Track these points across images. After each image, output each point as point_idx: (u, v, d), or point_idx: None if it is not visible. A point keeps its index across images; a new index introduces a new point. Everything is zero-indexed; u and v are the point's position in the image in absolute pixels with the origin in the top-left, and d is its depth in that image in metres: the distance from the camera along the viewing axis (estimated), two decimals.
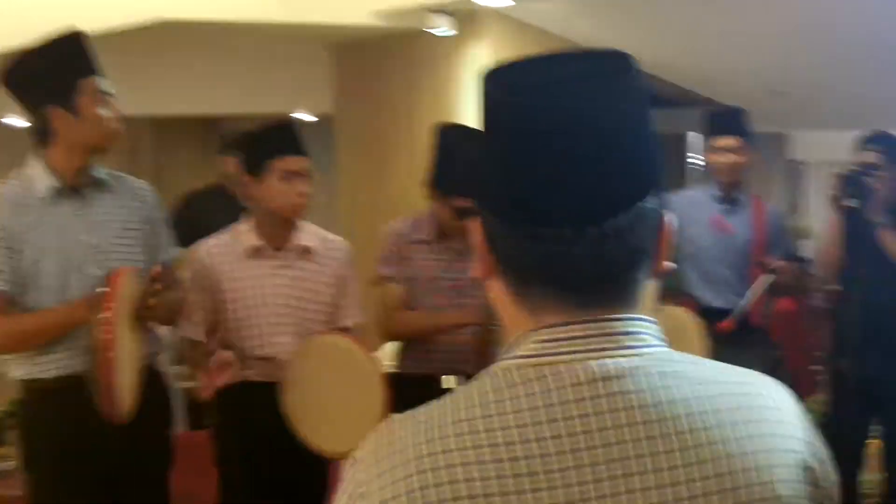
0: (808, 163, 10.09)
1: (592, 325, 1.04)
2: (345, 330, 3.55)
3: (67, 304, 3.00)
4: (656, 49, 6.61)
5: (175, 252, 3.43)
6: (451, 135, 3.55)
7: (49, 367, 3.05)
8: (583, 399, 1.01)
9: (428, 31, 5.97)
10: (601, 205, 1.02)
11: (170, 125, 9.73)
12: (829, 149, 8.62)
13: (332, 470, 3.63)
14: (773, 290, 4.49)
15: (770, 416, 1.09)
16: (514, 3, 5.72)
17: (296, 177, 3.35)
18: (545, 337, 1.04)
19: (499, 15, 6.18)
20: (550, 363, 1.03)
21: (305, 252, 3.49)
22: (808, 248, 7.48)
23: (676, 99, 8.89)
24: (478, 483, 0.98)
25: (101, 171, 3.18)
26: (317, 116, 7.77)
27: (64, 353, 3.04)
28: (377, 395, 3.16)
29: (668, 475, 1.01)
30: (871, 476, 4.66)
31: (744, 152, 4.58)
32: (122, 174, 3.34)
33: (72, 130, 3.03)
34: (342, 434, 3.22)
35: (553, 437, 1.00)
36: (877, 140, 4.33)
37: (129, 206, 3.22)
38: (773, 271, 4.35)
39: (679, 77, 7.29)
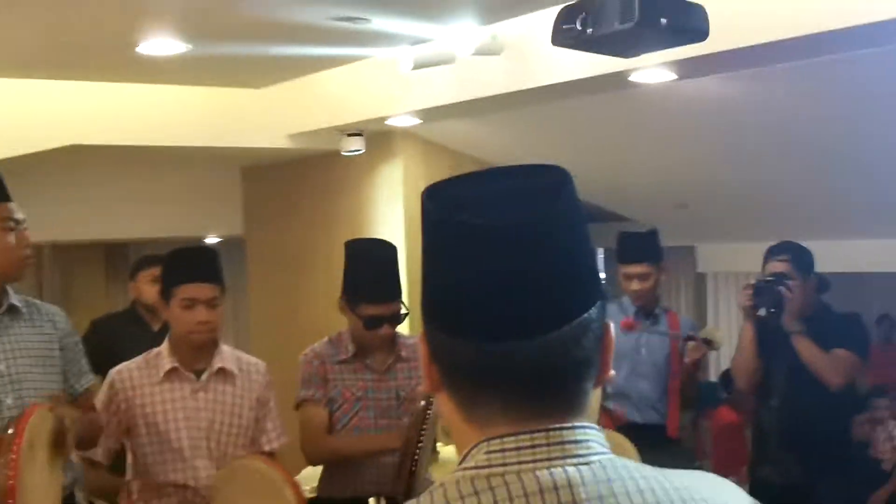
0: (712, 274, 10.29)
1: (540, 434, 1.04)
2: (268, 454, 3.48)
3: None
4: (563, 164, 6.74)
5: (91, 378, 3.36)
6: (359, 245, 3.64)
7: None
8: None
9: (341, 152, 6.02)
10: (546, 318, 1.02)
11: (75, 249, 9.59)
12: (732, 260, 8.78)
13: None
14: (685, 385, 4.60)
15: None
16: (420, 123, 5.81)
17: (198, 304, 3.30)
18: (495, 448, 1.04)
19: (408, 134, 6.27)
20: (501, 474, 1.02)
21: (223, 375, 3.43)
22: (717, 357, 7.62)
23: (589, 215, 9.03)
24: None
25: (14, 298, 3.10)
26: (228, 239, 7.73)
27: None
28: None
29: None
30: None
31: (654, 277, 4.66)
32: (34, 300, 3.26)
33: None
34: None
35: None
36: (784, 249, 4.43)
37: (44, 333, 3.14)
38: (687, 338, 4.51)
39: (587, 192, 7.42)
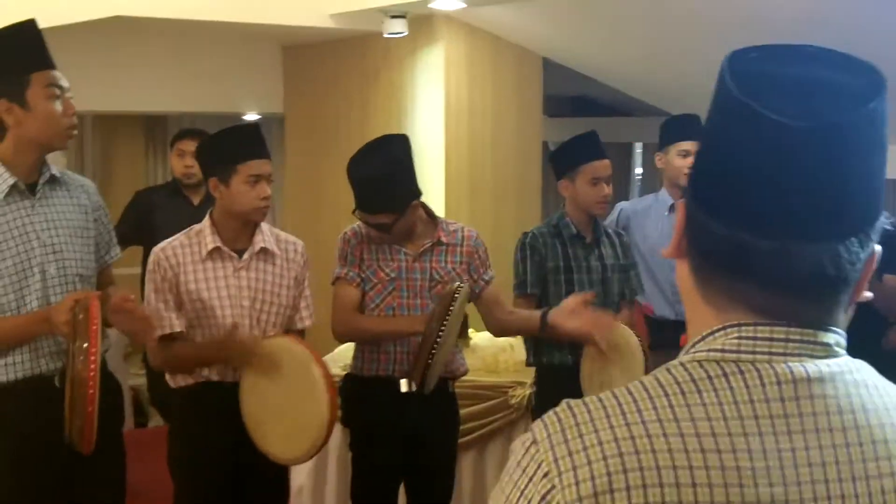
0: None
1: (796, 330, 1.04)
2: (299, 332, 3.56)
3: (34, 316, 2.96)
4: (607, 57, 6.67)
5: (117, 251, 3.43)
6: (352, 162, 3.56)
7: (7, 369, 3.02)
8: (785, 399, 1.01)
9: (383, 34, 5.98)
10: (837, 228, 1.01)
11: (115, 121, 9.63)
12: None
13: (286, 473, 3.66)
14: None
15: None
16: (465, 7, 5.74)
17: (260, 181, 3.34)
18: (748, 334, 1.04)
19: (451, 19, 6.20)
20: (753, 360, 1.03)
21: (264, 254, 3.48)
22: None
23: (623, 108, 8.93)
24: (682, 471, 0.97)
25: (53, 169, 3.13)
26: (267, 116, 7.73)
27: (22, 356, 3.01)
28: (324, 402, 3.18)
29: (862, 485, 1.01)
30: None
31: None
32: (67, 171, 3.29)
33: (22, 126, 2.97)
34: (289, 439, 3.27)
35: (758, 434, 0.99)
36: None
37: (80, 205, 3.19)
38: None
39: (628, 86, 7.33)
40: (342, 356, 4.54)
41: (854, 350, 1.09)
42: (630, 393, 1.04)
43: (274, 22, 6.11)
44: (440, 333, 3.28)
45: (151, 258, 3.43)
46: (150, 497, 4.45)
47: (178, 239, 3.45)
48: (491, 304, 3.78)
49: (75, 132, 3.13)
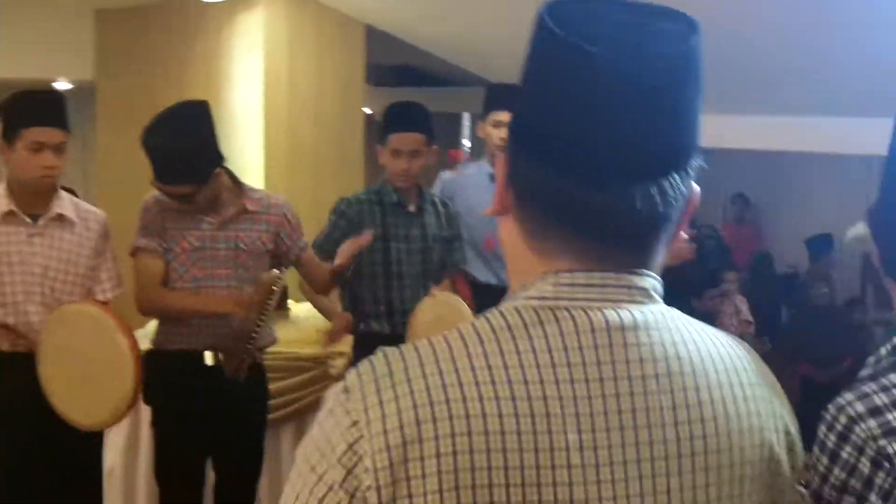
0: None
1: (612, 275, 1.03)
2: (102, 303, 3.44)
3: None
4: (435, 27, 6.64)
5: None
6: (147, 133, 3.43)
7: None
8: (600, 346, 1.01)
9: None
10: (654, 166, 1.01)
11: None
12: None
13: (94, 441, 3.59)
14: None
15: (757, 381, 1.12)
16: None
17: (45, 149, 3.24)
18: (564, 281, 1.03)
19: None
20: (568, 307, 1.02)
21: (61, 221, 3.39)
22: None
23: (451, 78, 8.94)
24: (491, 418, 0.96)
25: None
26: (79, 85, 7.44)
27: None
28: (128, 369, 3.08)
29: (672, 430, 1.02)
30: None
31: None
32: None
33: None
34: (92, 405, 3.17)
35: (570, 381, 0.99)
36: None
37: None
38: None
39: (456, 56, 7.34)
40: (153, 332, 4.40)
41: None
42: (446, 341, 1.03)
43: None
44: (258, 326, 3.26)
45: None
46: None
47: None
48: (312, 266, 3.72)
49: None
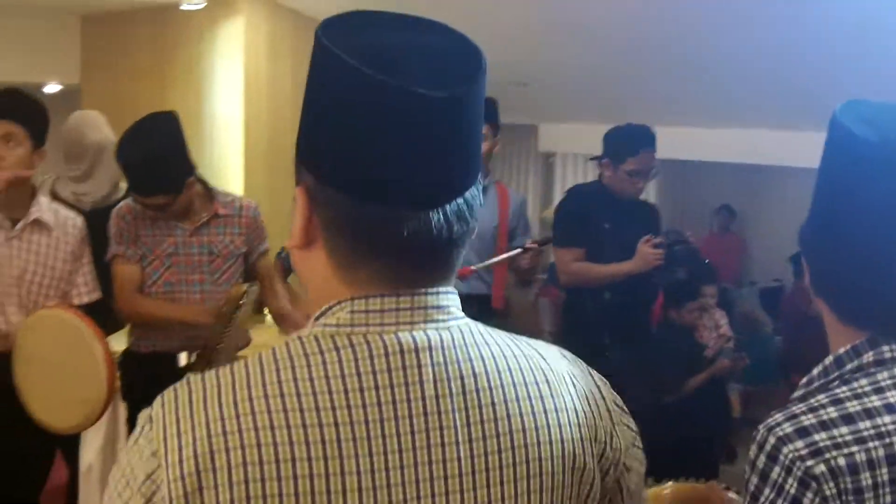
0: (559, 155, 10.40)
1: (406, 298, 1.05)
2: (78, 307, 3.48)
3: None
4: None
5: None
6: (120, 144, 3.49)
7: None
8: (394, 369, 1.02)
9: (182, 6, 5.87)
10: (445, 190, 1.04)
11: None
12: (579, 142, 8.83)
13: (60, 445, 3.62)
14: (515, 271, 4.60)
15: (569, 392, 1.14)
16: None
17: None
18: (359, 308, 1.05)
19: None
20: (361, 333, 1.04)
21: (39, 225, 3.43)
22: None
23: None
24: (283, 447, 0.98)
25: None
26: (67, 88, 7.51)
27: None
28: (101, 372, 3.12)
29: (466, 447, 1.04)
30: None
31: (489, 139, 4.56)
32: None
33: None
34: (66, 409, 3.21)
35: (362, 406, 1.01)
36: (652, 140, 4.63)
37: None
38: (522, 249, 4.39)
39: None
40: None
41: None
42: (246, 367, 1.04)
43: None
44: (223, 334, 3.35)
45: None
46: None
47: None
48: (263, 277, 3.78)
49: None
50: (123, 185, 4.25)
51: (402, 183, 1.01)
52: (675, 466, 2.56)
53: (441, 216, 1.03)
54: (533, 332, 1.25)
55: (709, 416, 5.10)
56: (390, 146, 1.00)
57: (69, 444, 3.65)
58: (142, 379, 3.61)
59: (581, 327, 4.69)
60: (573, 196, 4.90)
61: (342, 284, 1.07)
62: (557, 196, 9.76)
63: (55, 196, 4.25)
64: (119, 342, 3.77)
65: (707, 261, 5.94)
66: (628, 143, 4.62)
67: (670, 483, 2.38)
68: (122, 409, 3.96)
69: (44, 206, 3.47)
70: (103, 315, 3.55)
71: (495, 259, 4.40)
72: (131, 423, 3.72)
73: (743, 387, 7.05)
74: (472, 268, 4.25)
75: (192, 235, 3.58)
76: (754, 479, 1.33)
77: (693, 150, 7.88)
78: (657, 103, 6.93)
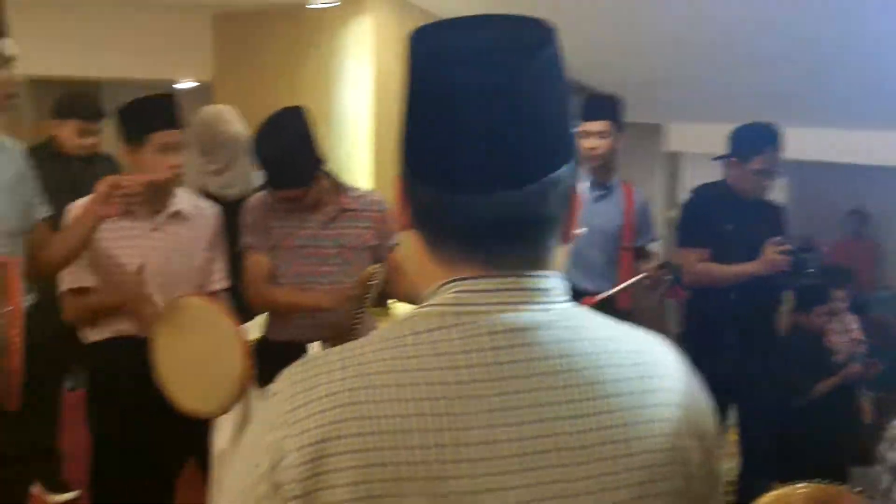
0: (685, 154, 10.29)
1: (510, 280, 1.11)
2: (213, 294, 3.62)
3: None
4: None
5: (45, 210, 3.43)
6: (255, 140, 3.60)
7: None
8: (499, 348, 1.08)
9: (311, 5, 5.98)
10: (515, 173, 1.07)
11: (50, 86, 9.52)
12: (705, 141, 8.71)
13: (204, 429, 3.71)
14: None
15: (662, 379, 1.17)
16: None
17: (170, 149, 3.40)
18: (466, 288, 1.10)
19: None
20: (469, 312, 1.09)
21: (178, 216, 3.55)
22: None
23: None
24: (395, 419, 1.04)
25: None
26: (198, 85, 7.71)
27: None
28: (237, 358, 3.20)
29: (567, 424, 1.08)
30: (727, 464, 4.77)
31: (612, 137, 4.61)
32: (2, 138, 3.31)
33: None
34: (204, 394, 3.30)
35: (471, 382, 1.06)
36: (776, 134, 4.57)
37: (8, 166, 3.21)
38: (645, 276, 4.45)
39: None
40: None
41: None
42: (360, 346, 1.12)
43: None
44: (357, 318, 3.41)
45: (67, 216, 3.46)
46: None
47: (91, 198, 3.46)
48: (392, 266, 3.82)
49: (14, 100, 3.17)
50: (255, 178, 4.37)
51: (455, 168, 1.07)
52: (802, 469, 2.54)
53: (523, 198, 1.07)
54: (659, 333, 1.26)
55: (837, 421, 5.00)
56: (439, 132, 1.07)
57: (200, 435, 3.74)
58: (274, 368, 3.66)
59: (706, 327, 4.66)
60: (698, 196, 4.86)
61: (436, 265, 1.13)
62: (682, 196, 9.66)
63: (202, 191, 4.39)
64: (250, 332, 3.88)
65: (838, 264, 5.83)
66: (755, 141, 4.56)
67: (803, 484, 2.36)
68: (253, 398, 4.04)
69: (182, 198, 3.60)
70: (233, 303, 3.67)
71: (617, 288, 4.47)
72: None
73: (875, 393, 6.88)
74: (597, 298, 4.28)
75: (322, 228, 3.66)
76: (887, 477, 1.34)
77: (824, 151, 7.70)
78: (786, 103, 6.81)
